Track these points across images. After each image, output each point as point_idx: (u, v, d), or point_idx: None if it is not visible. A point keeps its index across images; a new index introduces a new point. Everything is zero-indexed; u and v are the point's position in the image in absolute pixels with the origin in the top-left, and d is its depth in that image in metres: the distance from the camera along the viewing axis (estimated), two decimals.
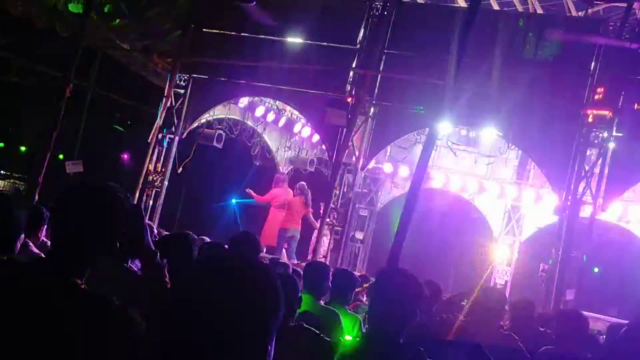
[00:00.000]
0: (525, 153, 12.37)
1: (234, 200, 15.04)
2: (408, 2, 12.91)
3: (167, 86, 12.82)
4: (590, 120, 10.45)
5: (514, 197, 13.92)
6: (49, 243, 5.18)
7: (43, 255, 4.35)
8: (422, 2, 14.31)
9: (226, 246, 5.54)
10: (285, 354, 2.30)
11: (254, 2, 11.56)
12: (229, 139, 14.08)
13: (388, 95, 11.63)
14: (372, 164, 12.62)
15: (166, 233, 7.66)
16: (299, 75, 11.93)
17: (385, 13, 11.69)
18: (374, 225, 14.60)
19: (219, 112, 13.56)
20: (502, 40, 10.71)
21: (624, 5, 11.19)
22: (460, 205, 14.65)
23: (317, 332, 4.00)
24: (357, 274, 8.09)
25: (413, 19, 11.85)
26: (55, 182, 11.42)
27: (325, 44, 11.97)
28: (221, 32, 12.69)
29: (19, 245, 2.89)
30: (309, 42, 12.09)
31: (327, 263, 9.51)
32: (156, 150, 12.76)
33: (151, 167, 12.71)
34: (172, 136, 12.82)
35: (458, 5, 14.17)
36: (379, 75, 11.67)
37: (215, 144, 13.45)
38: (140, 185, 12.48)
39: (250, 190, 13.91)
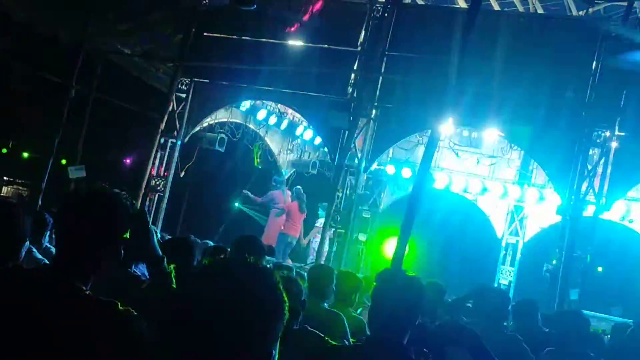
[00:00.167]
0: (527, 153, 12.36)
1: (236, 204, 15.06)
2: (408, 3, 12.91)
3: (169, 90, 12.85)
4: (592, 119, 10.44)
5: (516, 198, 13.91)
6: (52, 249, 5.20)
7: (47, 261, 4.37)
8: (423, 3, 14.31)
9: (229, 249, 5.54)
10: (290, 358, 2.30)
11: (254, 5, 11.56)
12: (231, 143, 14.11)
13: (389, 97, 11.62)
14: (374, 166, 12.62)
15: (168, 237, 7.66)
16: (300, 78, 11.93)
17: (386, 15, 11.69)
18: (377, 227, 14.57)
19: (221, 115, 13.58)
20: (503, 41, 10.69)
21: (624, 4, 11.18)
22: (464, 206, 14.63)
23: (322, 335, 4.00)
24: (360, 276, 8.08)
25: (414, 20, 11.85)
26: (58, 187, 11.44)
27: (326, 46, 11.99)
28: (222, 36, 12.72)
29: (23, 253, 2.89)
30: (310, 45, 12.10)
31: (331, 266, 9.51)
32: (159, 155, 12.78)
33: (154, 172, 12.73)
34: (174, 140, 12.85)
35: (458, 7, 14.17)
36: (381, 77, 11.67)
37: (217, 147, 13.48)
38: (143, 190, 12.49)
39: (248, 192, 13.98)
